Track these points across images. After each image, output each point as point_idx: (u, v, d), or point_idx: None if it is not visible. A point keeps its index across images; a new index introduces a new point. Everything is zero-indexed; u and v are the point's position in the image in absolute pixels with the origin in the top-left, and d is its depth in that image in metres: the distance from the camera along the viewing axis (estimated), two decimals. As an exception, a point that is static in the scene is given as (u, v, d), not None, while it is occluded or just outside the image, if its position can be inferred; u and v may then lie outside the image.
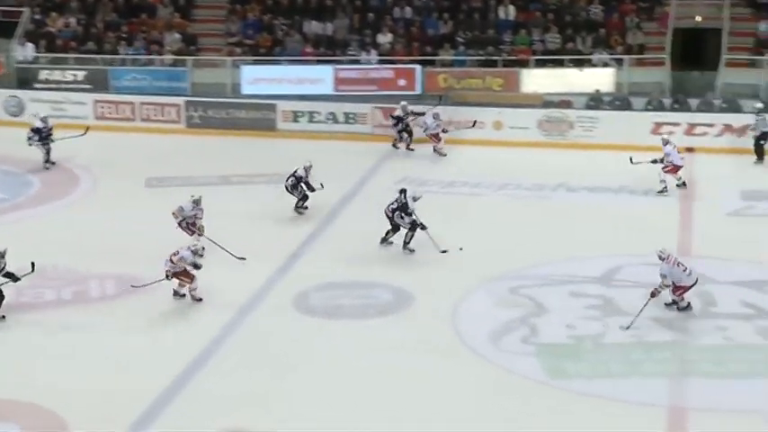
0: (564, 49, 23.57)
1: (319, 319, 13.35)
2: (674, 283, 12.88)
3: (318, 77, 23.55)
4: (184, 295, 13.65)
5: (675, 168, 17.91)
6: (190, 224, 15.26)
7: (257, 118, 22.90)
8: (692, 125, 20.86)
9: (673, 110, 21.79)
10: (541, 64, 23.24)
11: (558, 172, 19.26)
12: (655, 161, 17.93)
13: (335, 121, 22.62)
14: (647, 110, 21.98)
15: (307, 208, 17.09)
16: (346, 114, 22.56)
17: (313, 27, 24.85)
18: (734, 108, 21.65)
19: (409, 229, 15.26)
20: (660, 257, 12.89)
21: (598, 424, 10.76)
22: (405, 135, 20.90)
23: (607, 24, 23.91)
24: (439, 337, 12.72)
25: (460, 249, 15.15)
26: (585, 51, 23.47)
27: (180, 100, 23.24)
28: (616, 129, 20.81)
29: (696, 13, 23.94)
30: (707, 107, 21.91)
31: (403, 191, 15.50)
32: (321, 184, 16.80)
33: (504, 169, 19.56)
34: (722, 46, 22.90)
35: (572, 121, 21.27)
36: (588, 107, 22.24)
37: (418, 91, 23.10)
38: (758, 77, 22.14)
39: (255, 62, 24.14)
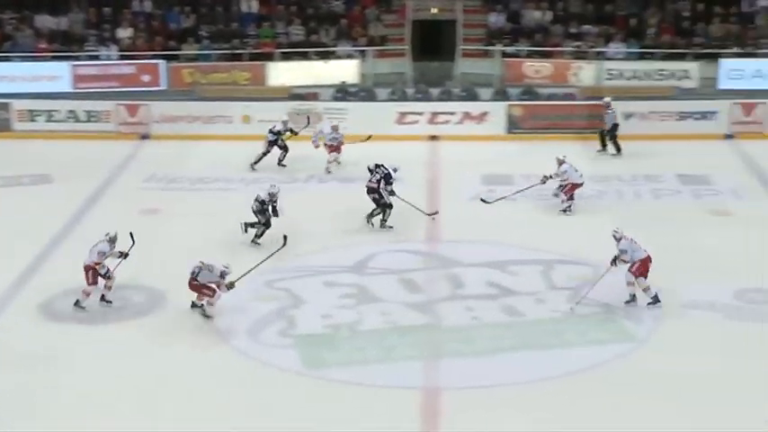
0: (308, 42, 23.79)
1: (68, 325, 12.86)
2: (632, 260, 12.92)
3: (55, 74, 22.55)
4: (202, 305, 13.00)
5: (574, 187, 16.85)
6: (100, 273, 13.21)
7: (-11, 118, 21.64)
8: (435, 114, 21.65)
9: (415, 99, 22.54)
10: (287, 57, 23.33)
11: (309, 163, 19.40)
12: (545, 180, 16.96)
13: (76, 119, 21.72)
14: (391, 100, 22.59)
15: (259, 237, 15.39)
16: (88, 112, 21.72)
17: (46, 21, 23.73)
18: (471, 96, 22.66)
19: (386, 204, 15.65)
20: (615, 237, 13.03)
21: (355, 410, 10.94)
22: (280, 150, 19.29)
23: (348, 16, 24.34)
24: (197, 333, 12.58)
25: (436, 214, 16.10)
26: (330, 43, 23.80)
27: None
28: (363, 119, 21.22)
29: (432, 5, 24.85)
30: (447, 96, 22.82)
31: (379, 164, 15.81)
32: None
33: (247, 163, 19.42)
34: (457, 37, 23.91)
35: (320, 113, 21.50)
36: (335, 99, 22.58)
37: (163, 86, 22.62)
38: (491, 67, 23.25)
39: (-17, 59, 22.81)
